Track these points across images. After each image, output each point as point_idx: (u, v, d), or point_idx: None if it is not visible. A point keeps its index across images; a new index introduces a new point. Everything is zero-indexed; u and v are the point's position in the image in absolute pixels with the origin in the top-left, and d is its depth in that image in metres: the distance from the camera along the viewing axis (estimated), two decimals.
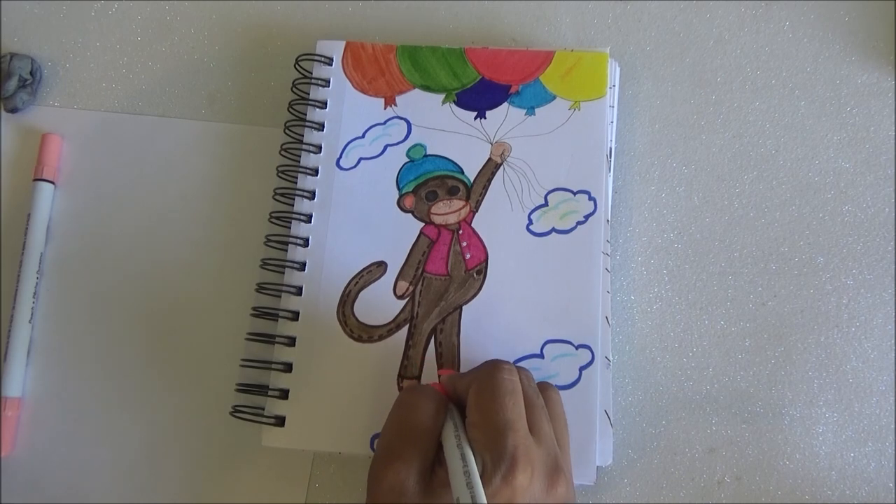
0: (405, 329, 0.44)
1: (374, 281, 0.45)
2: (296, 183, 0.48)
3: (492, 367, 0.37)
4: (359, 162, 0.47)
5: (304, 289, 0.46)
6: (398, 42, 0.49)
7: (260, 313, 0.46)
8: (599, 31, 0.52)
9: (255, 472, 0.46)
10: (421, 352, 0.44)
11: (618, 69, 0.49)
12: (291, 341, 0.45)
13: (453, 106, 0.48)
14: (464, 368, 0.44)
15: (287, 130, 0.49)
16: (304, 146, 0.48)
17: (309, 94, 0.49)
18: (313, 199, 0.47)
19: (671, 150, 0.50)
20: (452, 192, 0.46)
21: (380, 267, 0.46)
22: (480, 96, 0.48)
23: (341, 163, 0.47)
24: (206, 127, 0.51)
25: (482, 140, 0.47)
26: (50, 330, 0.49)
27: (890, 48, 0.50)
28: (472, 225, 0.46)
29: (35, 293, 0.49)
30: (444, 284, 0.45)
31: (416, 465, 0.34)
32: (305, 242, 0.46)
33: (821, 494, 0.45)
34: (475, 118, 0.47)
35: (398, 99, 0.48)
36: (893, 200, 0.48)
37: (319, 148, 0.48)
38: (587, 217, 0.46)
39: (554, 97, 0.47)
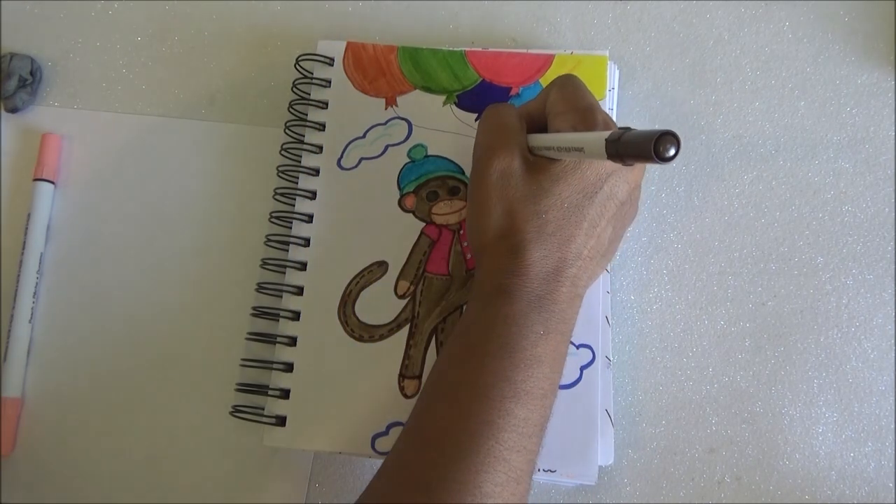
0: (406, 328, 0.44)
1: (376, 280, 0.45)
2: (296, 183, 0.48)
3: (566, 75, 0.41)
4: (360, 162, 0.47)
5: (305, 288, 0.46)
6: (398, 42, 0.49)
7: (260, 313, 0.46)
8: (599, 31, 0.52)
9: (255, 472, 0.46)
10: (422, 351, 0.44)
11: (617, 72, 0.49)
12: (293, 341, 0.45)
13: (454, 107, 0.48)
14: None
15: (287, 130, 0.49)
16: (306, 146, 0.48)
17: (309, 94, 0.49)
18: (314, 198, 0.47)
19: None
20: (453, 193, 0.46)
21: (381, 266, 0.46)
22: (481, 98, 0.48)
23: (342, 163, 0.47)
24: (206, 127, 0.51)
25: None
26: (50, 330, 0.49)
27: (890, 48, 0.50)
28: None
29: (35, 293, 0.49)
30: (446, 284, 0.45)
31: (517, 151, 0.39)
32: (307, 242, 0.46)
33: (821, 494, 0.45)
34: (476, 119, 0.47)
35: (399, 99, 0.48)
36: (893, 200, 0.48)
37: (320, 148, 0.48)
38: None
39: None
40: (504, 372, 0.36)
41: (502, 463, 0.34)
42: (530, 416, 0.36)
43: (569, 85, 0.40)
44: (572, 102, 0.39)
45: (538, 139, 0.39)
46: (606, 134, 0.31)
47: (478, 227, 0.39)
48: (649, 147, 0.28)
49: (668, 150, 0.28)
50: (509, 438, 0.35)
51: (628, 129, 0.31)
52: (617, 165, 0.37)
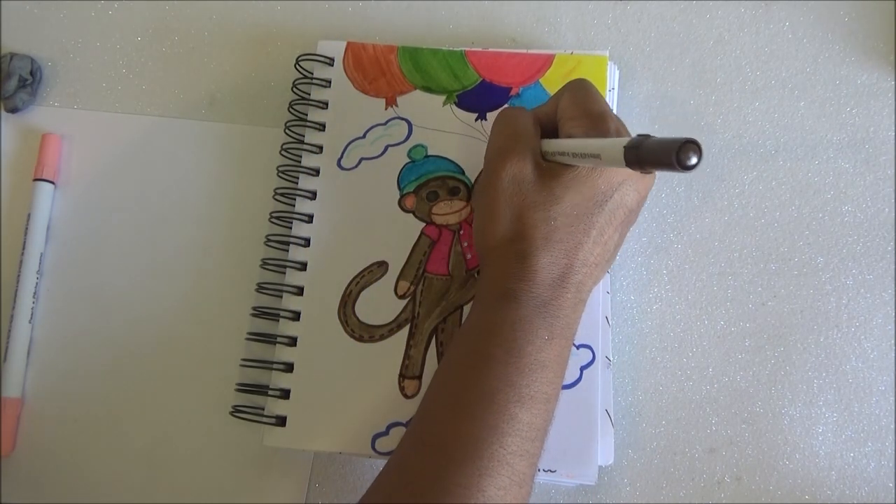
0: (406, 329, 0.44)
1: (376, 281, 0.45)
2: (296, 183, 0.48)
3: (578, 79, 0.41)
4: (360, 162, 0.47)
5: (305, 289, 0.46)
6: (398, 42, 0.49)
7: (260, 313, 0.46)
8: (599, 31, 0.52)
9: (255, 472, 0.46)
10: (422, 351, 0.44)
11: (617, 72, 0.49)
12: (293, 341, 0.45)
13: (454, 107, 0.48)
14: None
15: (287, 130, 0.49)
16: (306, 146, 0.48)
17: (309, 94, 0.49)
18: (314, 199, 0.47)
19: None
20: (453, 193, 0.46)
21: (381, 267, 0.46)
22: (481, 98, 0.48)
23: (342, 163, 0.47)
24: (206, 127, 0.51)
25: (483, 141, 0.47)
26: (50, 330, 0.49)
27: (890, 48, 0.50)
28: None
29: (35, 293, 0.49)
30: (446, 284, 0.45)
31: (530, 156, 0.38)
32: (307, 242, 0.46)
33: (821, 494, 0.45)
34: (476, 119, 0.47)
35: (399, 99, 0.48)
36: (893, 200, 0.48)
37: (321, 148, 0.48)
38: None
39: None
40: (509, 377, 0.36)
41: (506, 467, 0.35)
42: (534, 421, 0.36)
43: (581, 90, 0.40)
44: (584, 107, 0.38)
45: (552, 144, 0.39)
46: (625, 141, 0.31)
47: (485, 231, 0.39)
48: (671, 155, 0.28)
49: (689, 159, 0.28)
50: (513, 443, 0.35)
51: (647, 136, 0.31)
52: (628, 174, 0.37)
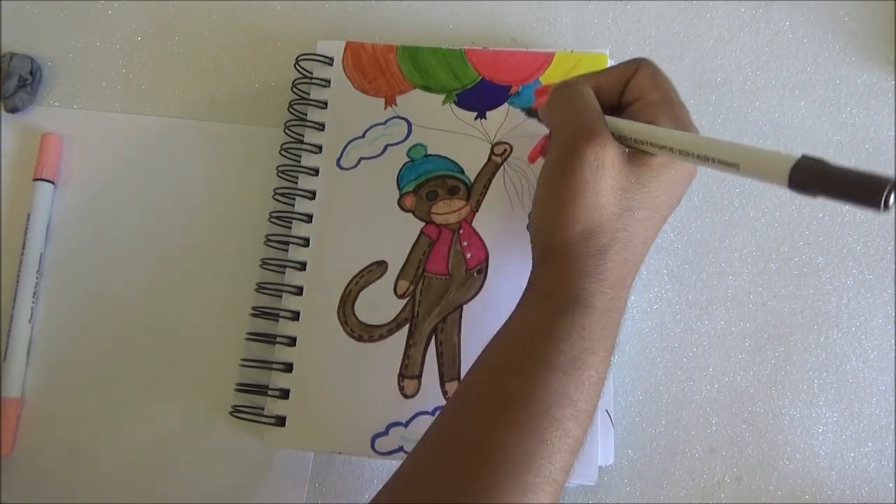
0: (406, 328, 0.44)
1: (375, 280, 0.45)
2: (296, 183, 0.48)
3: (646, 59, 0.37)
4: (359, 161, 0.47)
5: (304, 289, 0.46)
6: (398, 42, 0.49)
7: (260, 313, 0.46)
8: (599, 31, 0.52)
9: (255, 472, 0.46)
10: (422, 351, 0.44)
11: None
12: (292, 341, 0.45)
13: (453, 106, 0.48)
14: (465, 367, 0.43)
15: (287, 130, 0.49)
16: (305, 146, 0.48)
17: (309, 94, 0.49)
18: (314, 198, 0.47)
19: None
20: (453, 192, 0.46)
21: (380, 266, 0.46)
22: (481, 97, 0.48)
23: (342, 162, 0.47)
24: (206, 127, 0.51)
25: (482, 140, 0.47)
26: (50, 330, 0.49)
27: (890, 48, 0.50)
28: (473, 224, 0.46)
29: (35, 293, 0.49)
30: (445, 284, 0.45)
31: (610, 139, 0.34)
32: (306, 242, 0.46)
33: (821, 494, 0.45)
34: (475, 118, 0.47)
35: (398, 99, 0.48)
36: None
37: (320, 148, 0.48)
38: None
39: None
40: (567, 390, 0.33)
41: (552, 484, 0.32)
42: (581, 436, 0.33)
43: (657, 70, 0.35)
44: (666, 93, 0.34)
45: (644, 132, 0.34)
46: (791, 160, 0.27)
47: (556, 224, 0.35)
48: (876, 194, 0.25)
49: (889, 199, 0.25)
50: (562, 459, 0.32)
51: (815, 159, 0.27)
52: (692, 174, 0.34)
